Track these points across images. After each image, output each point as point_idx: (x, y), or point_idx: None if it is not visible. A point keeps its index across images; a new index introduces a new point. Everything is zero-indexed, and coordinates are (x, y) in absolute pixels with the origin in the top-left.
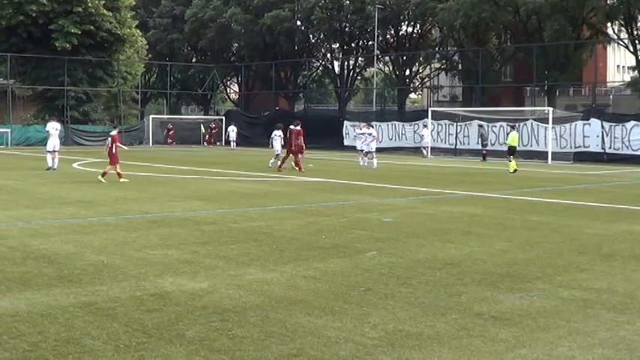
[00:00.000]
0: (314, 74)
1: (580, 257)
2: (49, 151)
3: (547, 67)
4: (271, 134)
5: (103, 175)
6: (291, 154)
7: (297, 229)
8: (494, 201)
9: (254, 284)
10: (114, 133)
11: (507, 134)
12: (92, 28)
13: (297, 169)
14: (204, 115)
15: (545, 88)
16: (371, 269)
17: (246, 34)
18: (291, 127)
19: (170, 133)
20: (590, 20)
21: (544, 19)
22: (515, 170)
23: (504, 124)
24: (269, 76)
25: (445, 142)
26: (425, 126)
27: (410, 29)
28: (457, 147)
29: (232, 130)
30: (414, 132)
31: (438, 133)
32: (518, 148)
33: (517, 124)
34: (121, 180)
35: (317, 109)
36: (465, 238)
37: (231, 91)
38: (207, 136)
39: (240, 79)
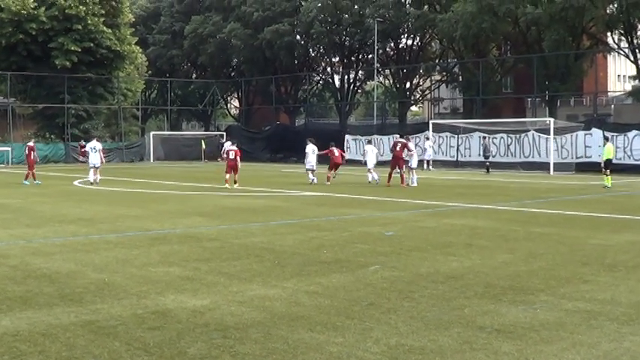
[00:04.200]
0: (314, 88)
1: (583, 268)
2: (90, 168)
3: (547, 77)
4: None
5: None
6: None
7: (299, 244)
8: (496, 213)
9: (256, 300)
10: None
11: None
12: (92, 45)
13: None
14: (204, 130)
15: (546, 98)
16: (373, 283)
17: (246, 49)
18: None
19: (83, 150)
20: (589, 30)
21: (543, 29)
22: (605, 187)
23: (505, 135)
24: (269, 90)
25: (447, 155)
26: (427, 138)
27: (410, 42)
28: (459, 159)
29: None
30: (416, 145)
31: (439, 145)
32: (518, 160)
33: (611, 135)
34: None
35: (318, 123)
36: (467, 251)
37: (232, 106)
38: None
39: (240, 94)
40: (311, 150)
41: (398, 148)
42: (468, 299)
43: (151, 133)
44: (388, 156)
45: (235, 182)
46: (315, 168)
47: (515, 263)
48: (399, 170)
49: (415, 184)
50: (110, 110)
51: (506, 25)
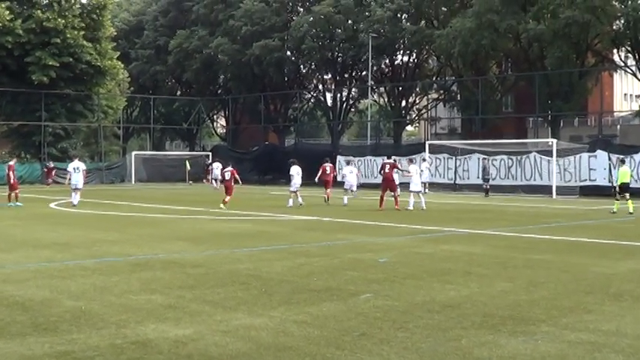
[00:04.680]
0: (305, 107)
1: (587, 298)
2: (72, 189)
3: (550, 96)
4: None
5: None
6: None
7: (287, 270)
8: (495, 239)
9: (241, 330)
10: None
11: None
12: (71, 60)
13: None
14: (189, 150)
15: (549, 118)
16: (365, 313)
17: (234, 66)
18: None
19: (51, 172)
20: (595, 47)
21: (546, 46)
22: (628, 212)
23: (505, 156)
24: (258, 109)
25: (444, 177)
26: (423, 160)
27: (405, 58)
28: (457, 182)
29: (217, 168)
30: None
31: (436, 167)
32: (519, 183)
33: (627, 157)
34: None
35: (309, 143)
36: (464, 279)
37: (218, 125)
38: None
39: (227, 112)
40: (296, 172)
41: (387, 170)
42: (465, 330)
43: (133, 153)
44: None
45: (224, 203)
46: (298, 190)
47: (515, 292)
48: (392, 193)
49: (411, 208)
50: (90, 128)
51: (507, 42)
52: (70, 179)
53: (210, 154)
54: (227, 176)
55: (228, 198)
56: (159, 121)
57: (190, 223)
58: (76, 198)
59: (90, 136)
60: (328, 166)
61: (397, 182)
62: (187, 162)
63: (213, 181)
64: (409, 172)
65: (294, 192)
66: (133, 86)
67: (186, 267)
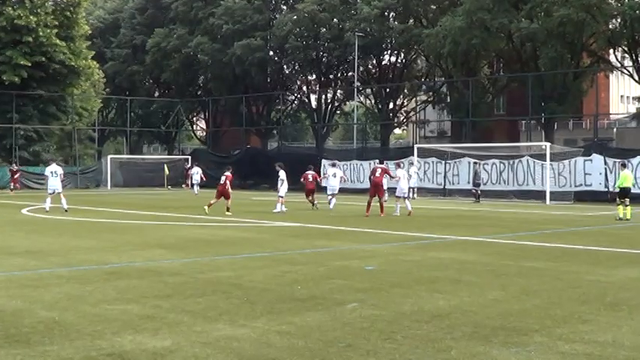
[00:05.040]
0: (289, 109)
1: (582, 307)
2: (49, 194)
3: (544, 98)
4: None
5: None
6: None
7: (270, 279)
8: (486, 246)
9: (222, 341)
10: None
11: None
12: (44, 59)
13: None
14: (168, 154)
15: (542, 121)
16: (351, 323)
17: (214, 66)
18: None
19: (15, 176)
20: (590, 47)
21: (539, 45)
22: (625, 219)
23: (497, 161)
24: (239, 111)
25: (433, 182)
26: (411, 164)
27: (393, 58)
28: (446, 187)
29: (197, 172)
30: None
31: (425, 172)
32: (511, 188)
33: (628, 161)
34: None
35: (292, 147)
36: (454, 288)
37: (198, 127)
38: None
39: (207, 114)
40: (285, 176)
41: (377, 174)
42: (455, 340)
43: (109, 157)
44: (368, 183)
45: (228, 210)
46: (284, 195)
47: (507, 301)
48: (379, 199)
49: (397, 214)
50: (63, 131)
51: (499, 41)
52: (47, 184)
53: (189, 157)
54: (222, 180)
55: (213, 202)
56: (136, 123)
57: (169, 230)
58: (63, 202)
59: (64, 139)
60: (310, 174)
61: (385, 187)
62: (166, 166)
63: (193, 187)
64: (397, 177)
65: (283, 197)
66: (109, 87)
67: (164, 275)
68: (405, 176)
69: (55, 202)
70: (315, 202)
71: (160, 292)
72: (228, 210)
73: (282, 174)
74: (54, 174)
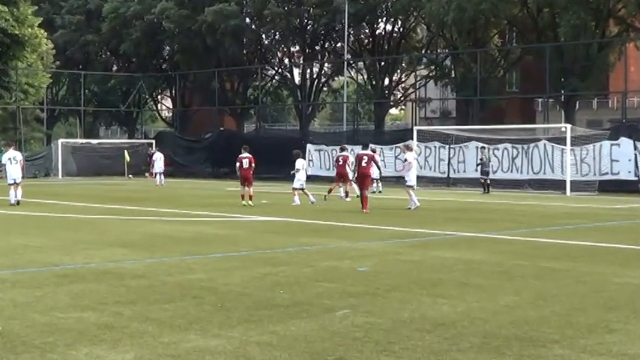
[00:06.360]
0: (268, 85)
1: (608, 314)
2: (10, 184)
3: (564, 72)
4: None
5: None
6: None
7: (248, 282)
8: (497, 243)
9: (194, 354)
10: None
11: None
12: None
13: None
14: (128, 138)
15: (562, 99)
16: (342, 332)
17: (182, 35)
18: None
19: None
20: (617, 13)
21: (559, 11)
22: None
23: (509, 145)
24: (211, 87)
25: (435, 170)
26: (409, 149)
27: (389, 27)
28: (450, 175)
29: (159, 159)
30: (395, 157)
31: (426, 158)
32: (526, 177)
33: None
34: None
35: (272, 129)
36: (460, 292)
37: (163, 107)
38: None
39: (174, 92)
40: (301, 164)
41: (364, 164)
42: (462, 352)
43: (60, 141)
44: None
45: (250, 198)
46: (304, 186)
47: (521, 307)
48: (340, 185)
49: (417, 204)
50: (6, 111)
51: (512, 7)
52: (5, 173)
53: (153, 142)
54: (245, 164)
55: (251, 190)
56: (91, 102)
57: (130, 226)
58: (17, 194)
59: (7, 120)
60: (342, 156)
61: (376, 177)
62: (126, 152)
63: (157, 175)
64: (409, 163)
65: (300, 189)
66: (59, 60)
67: (125, 278)
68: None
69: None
70: (330, 194)
71: (121, 298)
72: (250, 198)
73: (298, 163)
74: (13, 160)
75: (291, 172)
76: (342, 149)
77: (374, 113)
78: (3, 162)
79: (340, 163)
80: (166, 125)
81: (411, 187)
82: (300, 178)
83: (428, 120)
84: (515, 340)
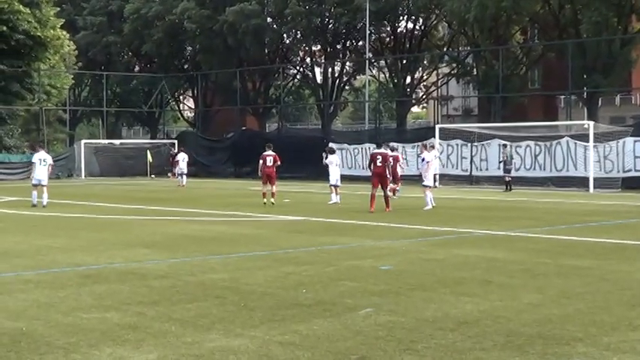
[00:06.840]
0: (290, 84)
1: (633, 312)
2: (34, 185)
3: (586, 69)
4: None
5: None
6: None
7: (271, 281)
8: (520, 241)
9: (217, 354)
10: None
11: None
12: (5, 29)
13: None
14: (150, 138)
15: (584, 96)
16: (365, 331)
17: (203, 35)
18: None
19: None
20: None
21: (581, 8)
22: None
23: (532, 143)
24: (233, 87)
25: (457, 168)
26: (432, 147)
27: (410, 25)
28: (473, 173)
29: (183, 159)
30: (418, 155)
31: (448, 156)
32: (549, 174)
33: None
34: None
35: (294, 128)
36: (483, 290)
37: (185, 107)
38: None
39: (196, 92)
40: (335, 161)
41: (379, 163)
42: (485, 351)
43: (82, 142)
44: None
45: (273, 196)
46: (339, 184)
47: (544, 305)
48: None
49: (433, 205)
50: (29, 112)
51: (533, 4)
52: (33, 174)
53: (175, 142)
54: (269, 162)
55: (274, 189)
56: (113, 103)
57: (153, 226)
58: (43, 198)
59: (29, 121)
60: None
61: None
62: (149, 152)
63: (180, 176)
64: (428, 162)
65: (335, 186)
66: (81, 61)
67: (148, 278)
68: (437, 160)
69: (24, 195)
70: (392, 193)
71: (144, 298)
72: (273, 196)
73: (331, 157)
74: (43, 162)
75: (323, 163)
76: (393, 149)
77: (396, 111)
78: (33, 161)
79: (391, 164)
80: (188, 125)
81: (427, 186)
82: (334, 175)
83: (450, 118)
84: (538, 338)
